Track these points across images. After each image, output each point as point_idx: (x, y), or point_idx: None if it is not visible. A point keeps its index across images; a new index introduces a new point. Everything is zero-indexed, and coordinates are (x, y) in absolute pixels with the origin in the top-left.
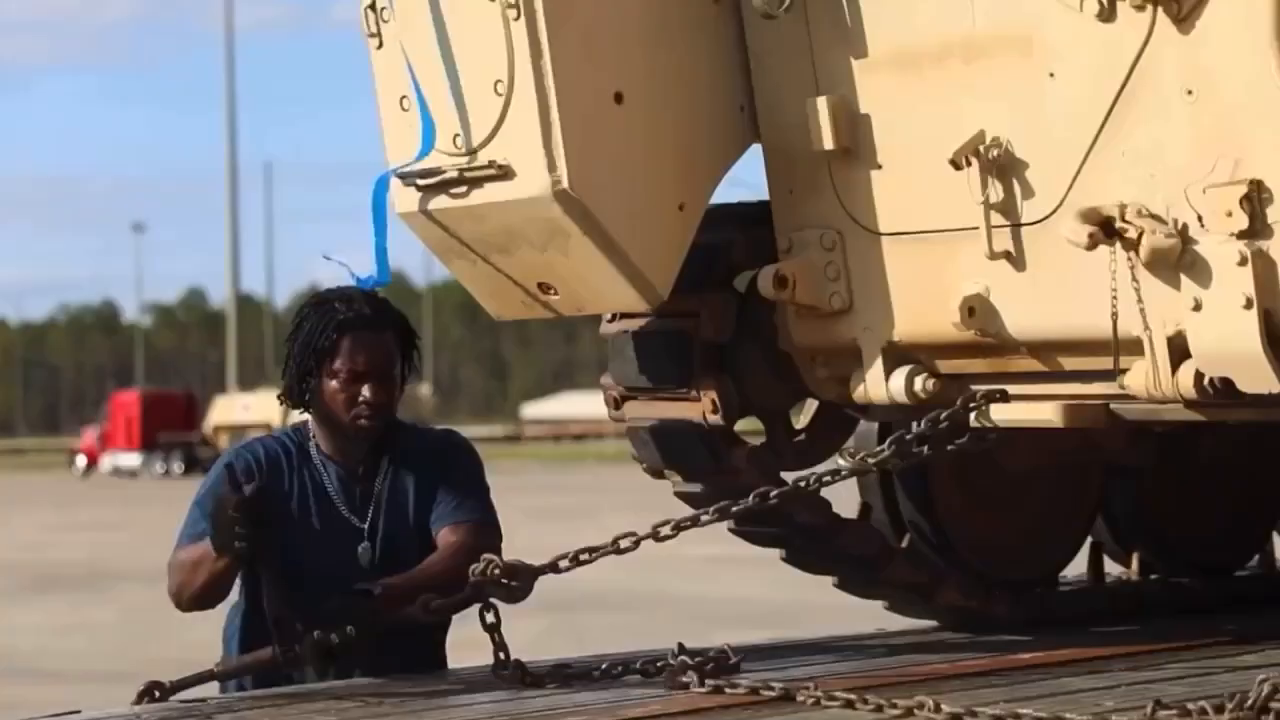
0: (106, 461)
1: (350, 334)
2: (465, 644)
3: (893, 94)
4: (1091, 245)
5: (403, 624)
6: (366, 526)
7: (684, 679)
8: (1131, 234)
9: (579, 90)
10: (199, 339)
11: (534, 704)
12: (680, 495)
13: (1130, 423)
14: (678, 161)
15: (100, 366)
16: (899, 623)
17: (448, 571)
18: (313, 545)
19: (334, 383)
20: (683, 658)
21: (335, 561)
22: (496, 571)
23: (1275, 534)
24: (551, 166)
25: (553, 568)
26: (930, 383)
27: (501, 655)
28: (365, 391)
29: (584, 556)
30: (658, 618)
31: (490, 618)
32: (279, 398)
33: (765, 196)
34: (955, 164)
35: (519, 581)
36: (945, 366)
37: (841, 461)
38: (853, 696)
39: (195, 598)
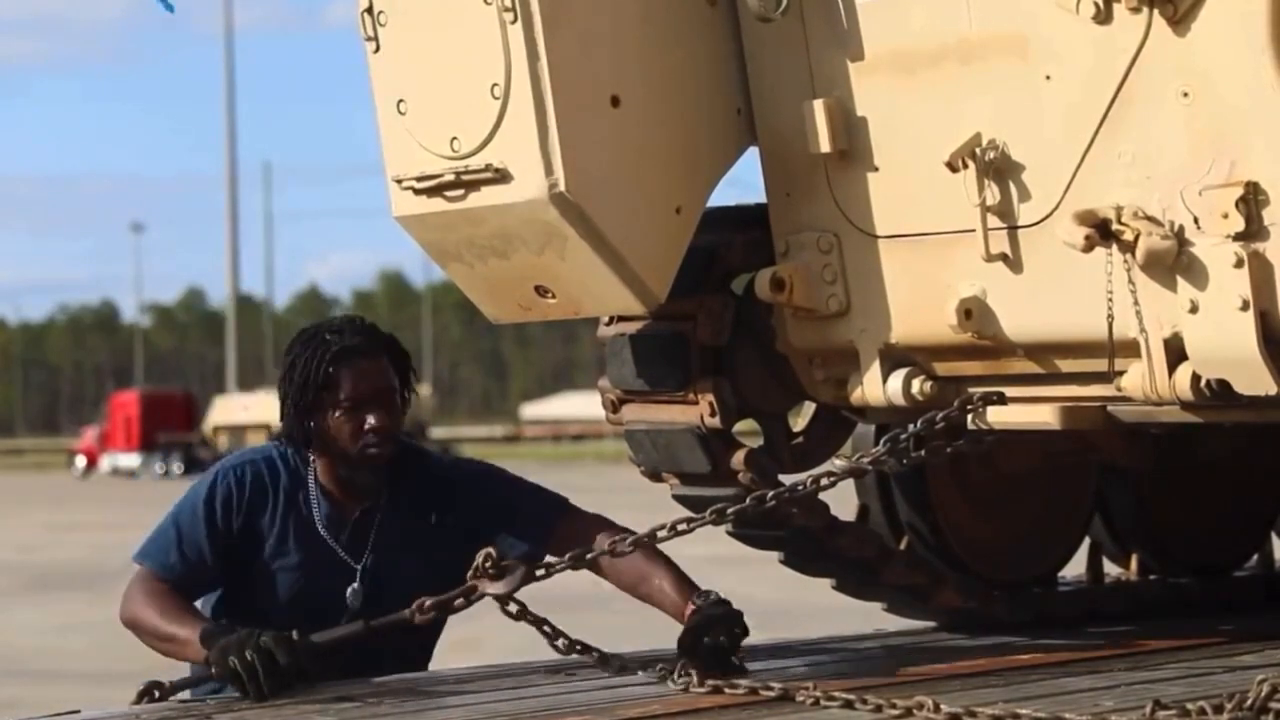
0: (106, 462)
1: (346, 364)
2: (465, 644)
3: (889, 97)
4: (1088, 247)
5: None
6: (361, 566)
7: (684, 678)
8: (1128, 236)
9: (575, 93)
10: (198, 339)
11: (533, 704)
12: (678, 498)
13: (1127, 424)
14: (674, 165)
15: (99, 367)
16: (898, 623)
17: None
18: (295, 578)
19: (338, 414)
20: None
21: (319, 598)
22: (490, 568)
23: (1274, 534)
24: (548, 170)
25: (547, 569)
26: (927, 385)
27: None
28: (370, 419)
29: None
30: (658, 618)
31: (530, 618)
32: (278, 440)
33: (763, 199)
34: (951, 166)
35: (512, 580)
36: (942, 369)
37: (838, 463)
38: (852, 696)
39: (147, 643)
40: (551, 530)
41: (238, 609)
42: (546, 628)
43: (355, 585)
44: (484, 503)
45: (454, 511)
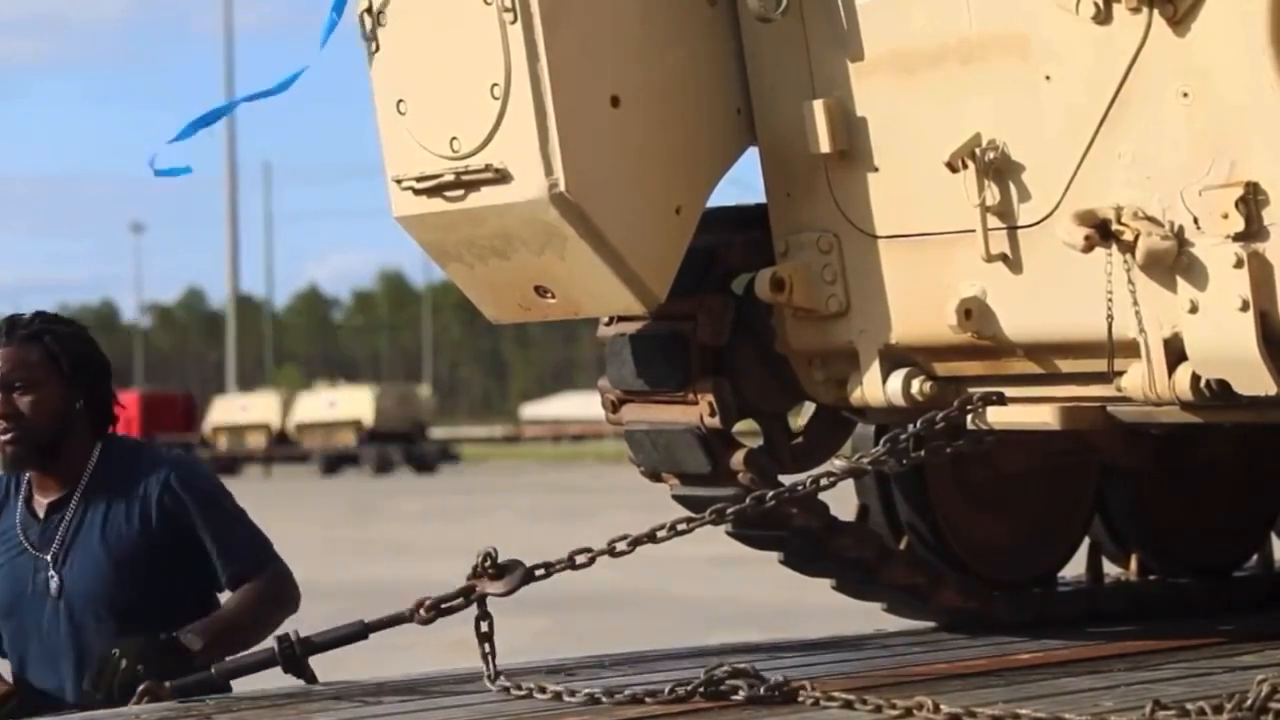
0: None
1: None
2: (465, 644)
3: (889, 97)
4: (1088, 248)
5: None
6: (50, 556)
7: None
8: (1128, 236)
9: (575, 94)
10: (198, 339)
11: (532, 704)
12: (678, 498)
13: (1127, 424)
14: (674, 165)
15: None
16: (898, 623)
17: (256, 624)
18: (6, 577)
19: None
20: (734, 681)
21: (25, 593)
22: (490, 568)
23: (1274, 534)
24: (548, 170)
25: (547, 569)
26: (927, 385)
27: (491, 665)
28: None
29: (580, 559)
30: (658, 618)
31: (485, 626)
32: None
33: (762, 199)
34: (951, 167)
35: (511, 580)
36: (942, 369)
37: (838, 464)
38: (852, 697)
39: None
40: (232, 575)
41: None
42: (489, 648)
43: (51, 573)
44: (187, 509)
45: (152, 506)
